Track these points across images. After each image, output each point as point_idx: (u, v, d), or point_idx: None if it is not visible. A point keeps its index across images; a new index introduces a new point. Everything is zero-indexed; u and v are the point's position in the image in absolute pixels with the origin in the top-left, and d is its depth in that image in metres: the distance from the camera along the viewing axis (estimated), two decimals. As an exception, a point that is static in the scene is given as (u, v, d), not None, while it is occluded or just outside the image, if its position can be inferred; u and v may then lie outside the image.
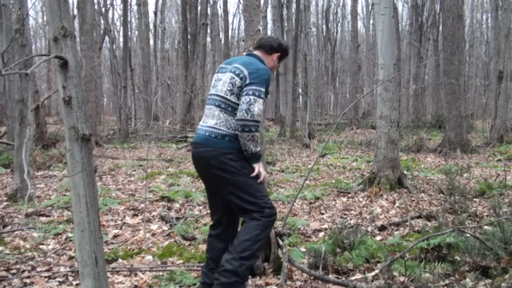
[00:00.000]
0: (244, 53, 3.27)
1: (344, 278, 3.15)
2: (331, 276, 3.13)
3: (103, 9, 20.16)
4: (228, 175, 2.58)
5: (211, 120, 2.65)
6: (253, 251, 2.54)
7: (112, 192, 6.37)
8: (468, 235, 3.38)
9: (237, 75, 2.62)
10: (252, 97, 2.51)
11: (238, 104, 2.58)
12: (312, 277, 3.16)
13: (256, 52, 2.85)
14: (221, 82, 2.69)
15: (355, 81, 22.76)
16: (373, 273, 3.03)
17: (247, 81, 2.57)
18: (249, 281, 3.01)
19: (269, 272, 3.18)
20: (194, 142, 2.73)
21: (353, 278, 3.04)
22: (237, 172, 2.57)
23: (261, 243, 2.60)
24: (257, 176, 2.62)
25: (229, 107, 2.61)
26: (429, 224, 4.51)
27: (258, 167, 2.62)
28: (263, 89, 2.57)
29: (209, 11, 16.52)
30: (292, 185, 7.22)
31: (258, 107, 2.51)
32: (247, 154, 2.59)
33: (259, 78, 2.58)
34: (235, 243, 2.57)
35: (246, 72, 2.60)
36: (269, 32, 26.65)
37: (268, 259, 3.25)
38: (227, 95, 2.62)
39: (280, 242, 3.33)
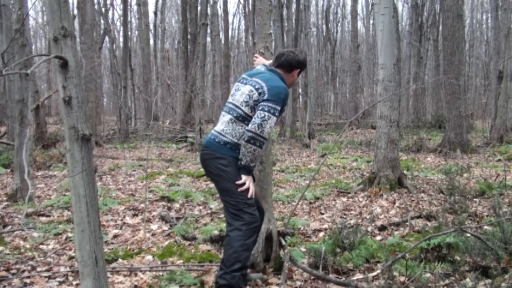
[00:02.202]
0: (256, 55, 3.35)
1: (344, 278, 3.15)
2: (333, 277, 3.13)
3: (103, 9, 20.15)
4: (219, 178, 2.71)
5: (220, 126, 2.77)
6: (242, 262, 2.63)
7: (112, 192, 6.37)
8: (468, 235, 3.38)
9: (256, 89, 2.71)
10: (267, 114, 2.60)
11: (250, 116, 2.68)
12: (312, 277, 3.16)
13: (277, 70, 2.90)
14: (239, 93, 2.79)
15: (355, 81, 22.78)
16: (374, 273, 3.03)
17: (265, 97, 2.66)
18: (258, 281, 3.02)
19: (270, 272, 3.18)
20: (202, 145, 2.86)
21: (354, 278, 3.04)
22: (226, 178, 2.68)
23: (248, 252, 2.67)
24: (243, 185, 2.68)
25: (240, 117, 2.71)
26: (429, 224, 4.51)
27: (246, 179, 2.69)
28: (279, 108, 2.65)
29: (209, 11, 16.51)
30: (292, 185, 7.21)
31: (270, 125, 2.61)
32: (240, 164, 2.67)
33: (277, 96, 2.66)
34: (224, 258, 2.66)
35: (265, 88, 2.69)
36: (269, 32, 26.63)
37: (269, 258, 3.25)
38: (242, 105, 2.72)
39: (283, 242, 3.33)
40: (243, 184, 2.67)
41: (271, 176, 3.49)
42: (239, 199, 2.67)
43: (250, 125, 2.60)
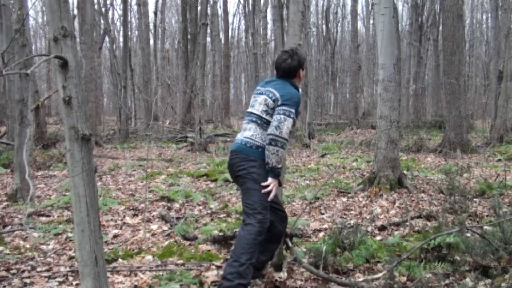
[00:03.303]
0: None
1: (344, 278, 3.15)
2: (339, 279, 3.10)
3: (103, 9, 20.16)
4: (245, 180, 2.86)
5: (248, 132, 2.96)
6: (250, 253, 2.73)
7: (112, 192, 6.37)
8: (468, 234, 3.38)
9: (270, 98, 2.91)
10: (282, 116, 2.80)
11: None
12: (312, 277, 3.16)
13: (287, 78, 3.04)
14: (257, 103, 2.98)
15: (355, 81, 22.76)
16: (379, 275, 2.99)
17: (279, 102, 2.85)
18: (258, 280, 3.04)
19: (271, 271, 3.18)
20: (231, 151, 3.02)
21: (362, 279, 3.02)
22: (252, 179, 2.84)
23: (257, 247, 2.78)
24: (267, 188, 2.84)
25: (264, 124, 2.91)
26: (429, 224, 4.51)
27: (272, 182, 2.84)
28: (293, 110, 2.84)
29: (209, 11, 16.53)
30: (292, 185, 7.21)
31: (287, 125, 2.79)
32: (267, 167, 2.83)
33: (291, 100, 2.86)
34: (234, 248, 2.81)
35: (278, 95, 2.89)
36: (269, 32, 26.68)
37: (272, 255, 3.26)
38: (262, 114, 2.92)
39: (289, 244, 3.33)
40: (267, 186, 2.83)
41: (285, 176, 3.64)
42: (258, 201, 2.81)
43: (269, 129, 2.81)
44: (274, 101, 2.87)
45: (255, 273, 3.04)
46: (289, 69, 3.00)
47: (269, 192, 2.83)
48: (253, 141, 2.89)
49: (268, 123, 2.87)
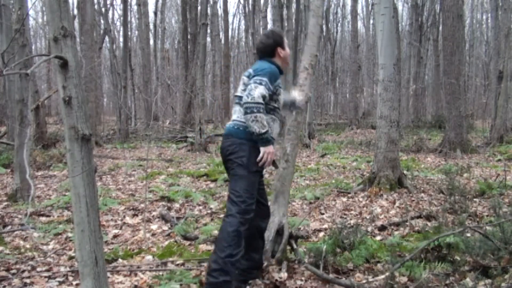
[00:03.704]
0: None
1: (344, 278, 3.15)
2: (342, 280, 3.09)
3: (103, 9, 20.16)
4: (234, 165, 2.85)
5: (234, 115, 3.00)
6: (233, 246, 2.73)
7: (112, 192, 6.37)
8: (468, 234, 3.38)
9: (247, 76, 2.96)
10: (253, 84, 2.78)
11: None
12: (312, 276, 3.16)
13: (266, 57, 3.07)
14: (239, 85, 3.04)
15: (355, 81, 22.77)
16: (382, 276, 2.97)
17: (251, 76, 2.88)
18: (258, 280, 3.03)
19: (271, 270, 3.18)
20: (222, 135, 3.05)
21: (371, 279, 3.01)
22: (242, 164, 2.82)
23: (240, 238, 2.77)
24: (257, 172, 2.87)
25: None
26: (429, 224, 4.51)
27: (264, 151, 2.82)
28: (265, 78, 2.80)
29: (209, 11, 16.54)
30: (292, 185, 7.19)
31: (258, 91, 2.74)
32: (254, 137, 2.80)
33: (262, 71, 2.85)
34: (217, 243, 2.80)
35: (252, 71, 2.93)
36: (269, 32, 26.61)
37: (275, 253, 3.27)
38: (242, 94, 2.92)
39: (294, 246, 3.32)
40: (257, 171, 2.85)
41: (293, 175, 3.71)
42: (244, 187, 2.81)
43: (242, 100, 2.81)
44: (248, 76, 2.92)
45: (253, 274, 3.03)
46: (264, 48, 3.05)
47: (254, 184, 2.83)
48: (239, 122, 2.90)
49: None
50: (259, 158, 2.81)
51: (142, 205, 5.48)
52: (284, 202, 3.38)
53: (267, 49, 3.05)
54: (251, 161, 2.83)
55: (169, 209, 5.46)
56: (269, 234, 3.19)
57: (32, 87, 9.59)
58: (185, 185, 7.05)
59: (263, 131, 2.76)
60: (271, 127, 2.89)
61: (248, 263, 2.99)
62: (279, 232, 3.28)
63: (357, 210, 5.40)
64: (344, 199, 6.05)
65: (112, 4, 23.49)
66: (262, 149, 2.81)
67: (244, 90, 2.88)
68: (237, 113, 2.97)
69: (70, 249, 3.89)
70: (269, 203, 3.25)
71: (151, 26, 26.69)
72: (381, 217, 5.04)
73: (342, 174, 8.27)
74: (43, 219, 4.94)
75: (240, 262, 2.84)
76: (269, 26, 24.92)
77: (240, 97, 2.93)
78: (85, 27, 13.22)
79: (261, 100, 2.73)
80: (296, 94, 3.44)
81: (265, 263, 3.18)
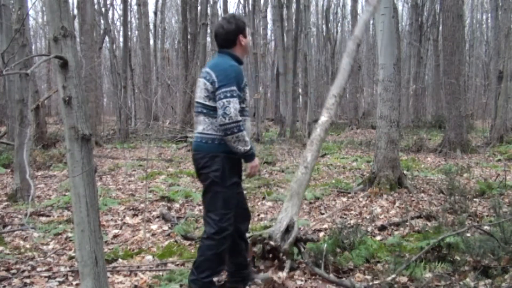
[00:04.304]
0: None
1: (344, 278, 3.14)
2: (349, 281, 3.08)
3: (103, 9, 20.15)
4: (208, 180, 2.71)
5: (200, 127, 2.75)
6: (212, 269, 2.71)
7: (112, 192, 6.37)
8: (468, 234, 3.38)
9: (208, 81, 2.68)
10: (224, 100, 2.57)
11: (216, 107, 2.66)
12: (312, 276, 3.16)
13: (225, 49, 2.81)
14: (199, 89, 2.76)
15: (355, 81, 22.75)
16: (391, 277, 2.96)
17: (216, 85, 2.62)
18: (258, 280, 3.03)
19: (272, 270, 3.18)
20: (192, 150, 2.85)
21: (376, 282, 3.00)
22: (215, 181, 2.68)
23: (221, 259, 2.75)
24: (233, 185, 2.74)
25: (211, 111, 2.69)
26: (429, 224, 4.51)
27: (251, 165, 2.76)
28: (234, 88, 2.60)
29: (209, 11, 16.53)
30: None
31: (233, 107, 2.56)
32: (239, 156, 2.70)
33: (227, 78, 2.61)
34: (195, 263, 2.75)
35: (214, 76, 2.65)
36: (269, 32, 26.68)
37: (279, 250, 3.27)
38: (205, 101, 2.70)
39: (302, 249, 3.32)
40: (233, 184, 2.73)
41: (309, 181, 3.77)
42: (221, 205, 2.70)
43: (217, 120, 2.60)
44: (212, 83, 2.64)
45: (244, 273, 2.99)
46: (226, 35, 2.75)
47: (229, 203, 2.71)
48: (206, 135, 2.69)
49: (214, 109, 2.64)
50: (246, 173, 2.75)
51: (142, 205, 5.47)
52: (298, 203, 3.47)
53: (229, 36, 2.76)
54: (225, 175, 2.68)
55: (169, 209, 5.46)
56: (280, 225, 3.22)
57: (32, 87, 9.58)
58: (185, 185, 7.05)
59: (247, 148, 2.64)
60: (246, 129, 2.69)
61: (236, 266, 2.97)
62: (289, 228, 3.28)
63: (357, 210, 5.40)
64: (344, 199, 6.05)
65: (112, 4, 23.49)
66: (248, 165, 2.75)
67: (207, 96, 2.67)
68: (202, 124, 2.73)
69: (70, 249, 3.89)
70: (284, 200, 3.32)
71: (151, 26, 26.69)
72: (381, 217, 5.04)
73: (342, 174, 8.27)
74: (43, 219, 4.94)
75: (225, 269, 2.86)
76: (269, 26, 24.95)
77: (203, 105, 2.70)
78: (85, 27, 13.21)
79: (238, 118, 2.57)
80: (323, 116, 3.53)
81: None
